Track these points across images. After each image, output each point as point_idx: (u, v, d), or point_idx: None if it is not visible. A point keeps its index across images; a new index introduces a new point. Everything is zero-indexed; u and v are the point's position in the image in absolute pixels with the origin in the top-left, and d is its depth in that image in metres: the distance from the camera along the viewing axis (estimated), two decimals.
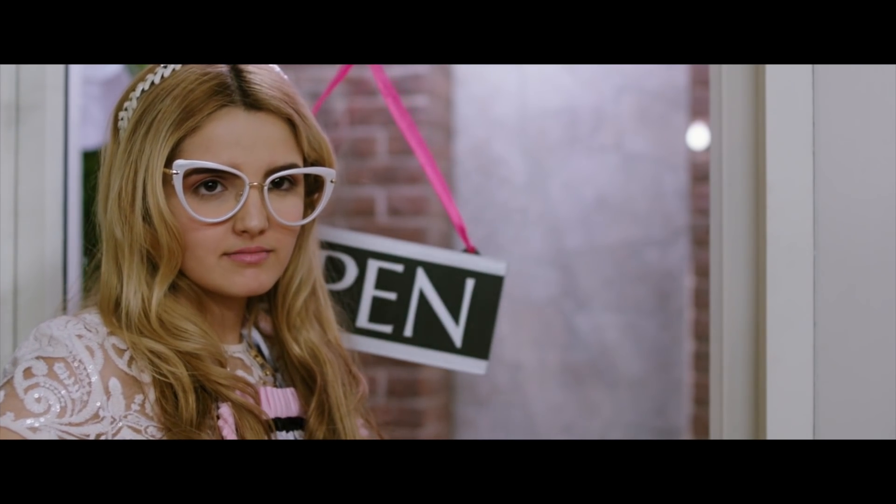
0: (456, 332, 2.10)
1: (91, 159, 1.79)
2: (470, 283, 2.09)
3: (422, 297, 2.10)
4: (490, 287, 2.09)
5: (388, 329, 2.10)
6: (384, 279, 2.08)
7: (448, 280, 2.08)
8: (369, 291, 2.09)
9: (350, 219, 4.98)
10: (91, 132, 3.33)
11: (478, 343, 2.09)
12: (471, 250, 2.13)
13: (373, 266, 2.09)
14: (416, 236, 4.88)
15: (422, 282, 2.09)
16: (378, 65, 2.29)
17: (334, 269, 2.08)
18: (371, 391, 4.75)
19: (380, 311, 2.09)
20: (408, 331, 2.10)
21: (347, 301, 2.06)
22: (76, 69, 2.51)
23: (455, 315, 2.10)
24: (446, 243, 5.10)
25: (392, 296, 2.09)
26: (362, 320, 2.10)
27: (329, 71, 4.99)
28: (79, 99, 2.43)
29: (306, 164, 1.72)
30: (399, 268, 2.09)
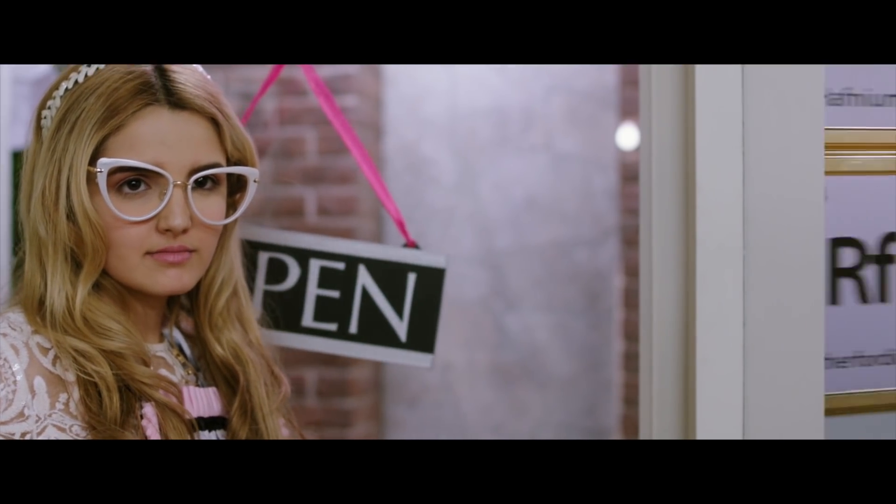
0: (400, 327, 2.10)
1: (20, 159, 1.76)
2: (412, 278, 2.09)
3: (364, 293, 2.09)
4: (432, 280, 2.09)
5: (333, 327, 2.10)
6: (326, 277, 2.08)
7: (390, 275, 2.08)
8: (312, 290, 2.09)
9: (279, 219, 4.95)
10: (21, 132, 3.29)
11: (422, 337, 2.10)
12: (411, 244, 2.13)
13: (314, 265, 2.08)
14: (346, 236, 4.86)
15: (364, 278, 2.09)
16: (309, 65, 2.27)
17: (276, 270, 2.07)
18: (300, 391, 4.73)
19: (324, 309, 2.09)
20: (353, 328, 2.10)
21: (290, 300, 2.06)
22: (6, 69, 2.47)
23: (398, 310, 2.10)
24: (377, 243, 5.08)
25: (335, 294, 2.08)
26: (307, 320, 2.09)
27: (258, 71, 4.96)
28: (8, 99, 2.39)
29: (229, 163, 1.73)
30: (340, 266, 2.09)
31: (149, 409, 1.77)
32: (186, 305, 1.83)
